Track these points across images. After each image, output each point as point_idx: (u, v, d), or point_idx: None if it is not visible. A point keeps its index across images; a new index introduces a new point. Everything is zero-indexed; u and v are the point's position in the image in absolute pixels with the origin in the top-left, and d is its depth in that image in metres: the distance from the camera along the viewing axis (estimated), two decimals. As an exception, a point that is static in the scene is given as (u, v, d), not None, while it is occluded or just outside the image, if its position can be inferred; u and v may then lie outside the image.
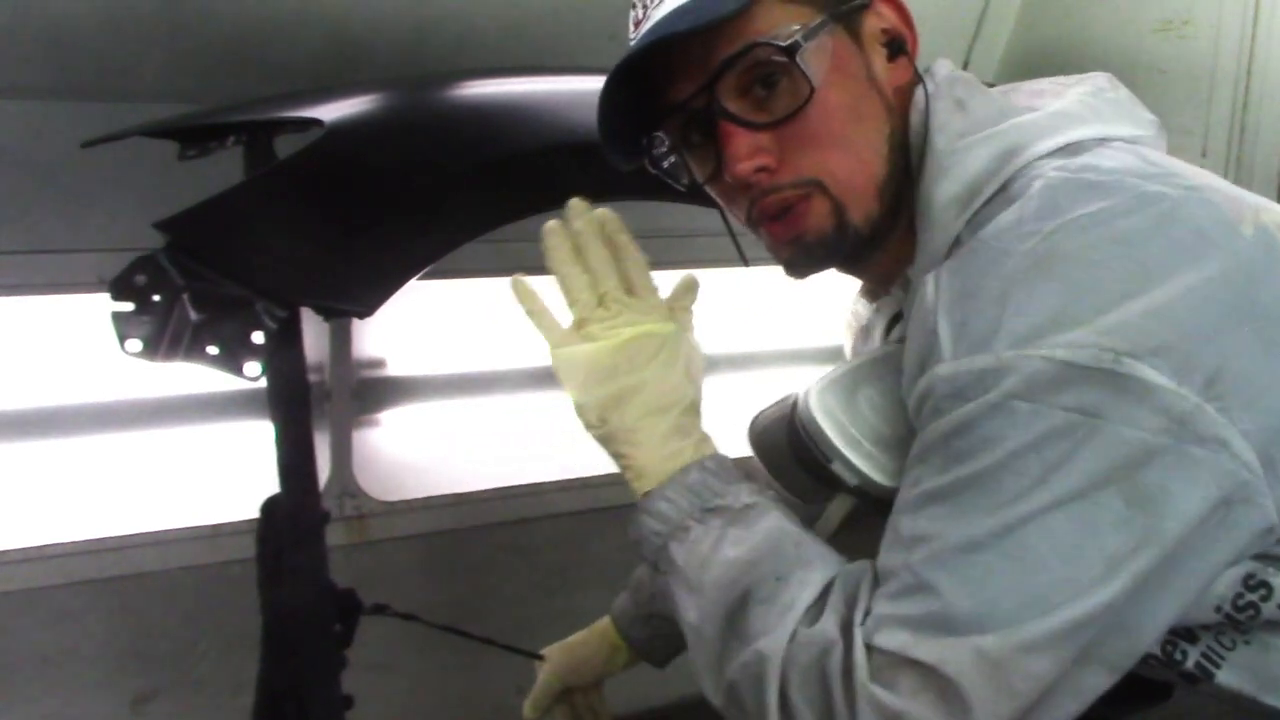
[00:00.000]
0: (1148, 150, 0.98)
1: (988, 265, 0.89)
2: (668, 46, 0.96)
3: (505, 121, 1.28)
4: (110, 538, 1.75)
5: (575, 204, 1.10)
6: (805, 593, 0.92)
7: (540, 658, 1.53)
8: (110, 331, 1.10)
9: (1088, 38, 1.90)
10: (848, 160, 1.00)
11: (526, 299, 1.13)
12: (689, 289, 1.16)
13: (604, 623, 1.54)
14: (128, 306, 1.09)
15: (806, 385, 1.09)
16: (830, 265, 1.08)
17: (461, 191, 1.22)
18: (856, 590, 0.91)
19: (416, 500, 2.00)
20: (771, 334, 2.28)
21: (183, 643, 1.84)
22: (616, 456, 1.07)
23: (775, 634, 0.91)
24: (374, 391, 1.98)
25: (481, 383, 2.08)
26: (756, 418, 1.19)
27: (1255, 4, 1.71)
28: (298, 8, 1.54)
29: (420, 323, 1.98)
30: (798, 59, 0.96)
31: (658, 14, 0.99)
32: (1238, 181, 1.36)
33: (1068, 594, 0.81)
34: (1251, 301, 0.85)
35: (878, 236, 1.03)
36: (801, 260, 1.05)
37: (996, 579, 0.82)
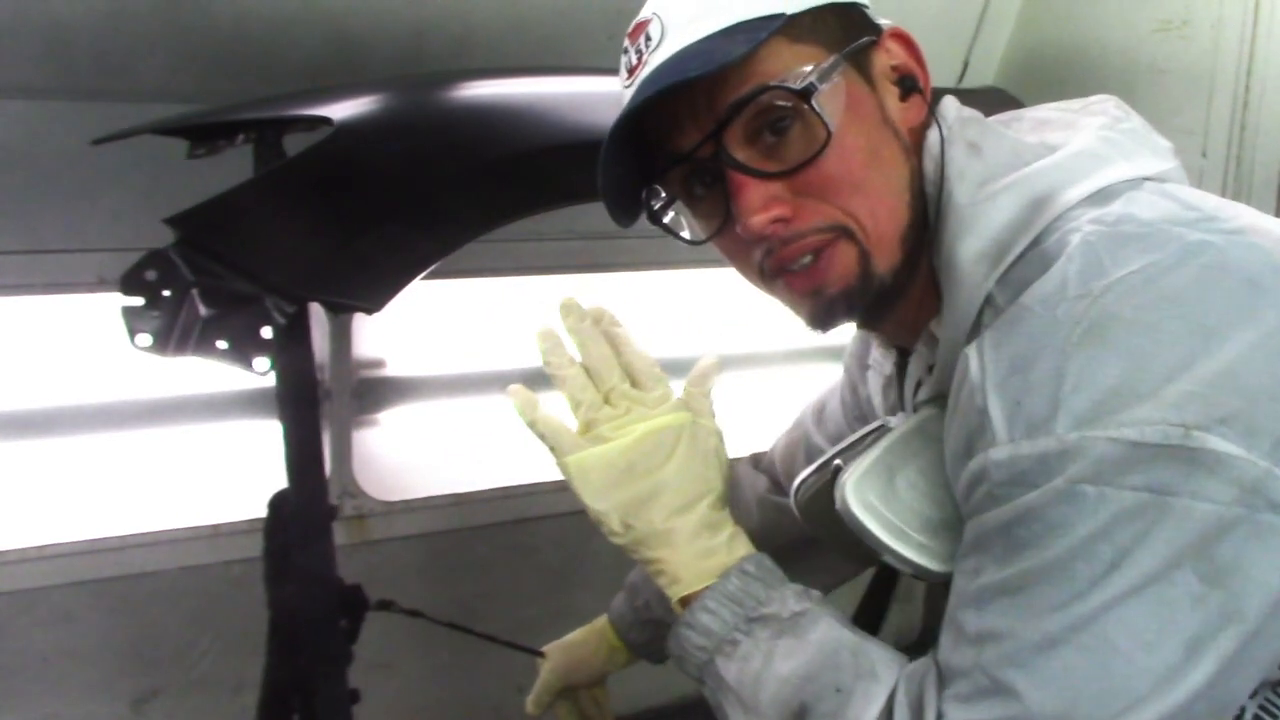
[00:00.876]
0: (1178, 189, 0.92)
1: (1037, 335, 0.84)
2: (667, 93, 0.89)
3: (510, 121, 1.28)
4: (110, 538, 1.75)
5: (567, 303, 1.06)
6: (871, 707, 0.88)
7: (541, 654, 1.53)
8: (120, 326, 1.10)
9: (1088, 38, 1.91)
10: (871, 205, 0.93)
11: (526, 409, 1.07)
12: (706, 375, 1.10)
13: (602, 622, 1.54)
14: (138, 301, 1.09)
15: (841, 463, 1.02)
16: (852, 318, 1.01)
17: (467, 190, 1.22)
18: (921, 695, 0.87)
19: (416, 500, 2.00)
20: (772, 334, 2.29)
21: (183, 643, 1.84)
22: (647, 563, 1.01)
23: None
24: (374, 391, 1.98)
25: (481, 383, 2.08)
26: (799, 487, 1.13)
27: (1255, 4, 1.72)
28: (298, 8, 1.54)
29: (420, 323, 1.98)
30: (813, 102, 0.90)
31: (656, 59, 0.93)
32: (1238, 181, 1.38)
33: (1152, 686, 0.77)
34: None
35: (899, 287, 0.97)
36: (823, 313, 0.98)
37: (1077, 676, 0.78)
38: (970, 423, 0.87)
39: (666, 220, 1.01)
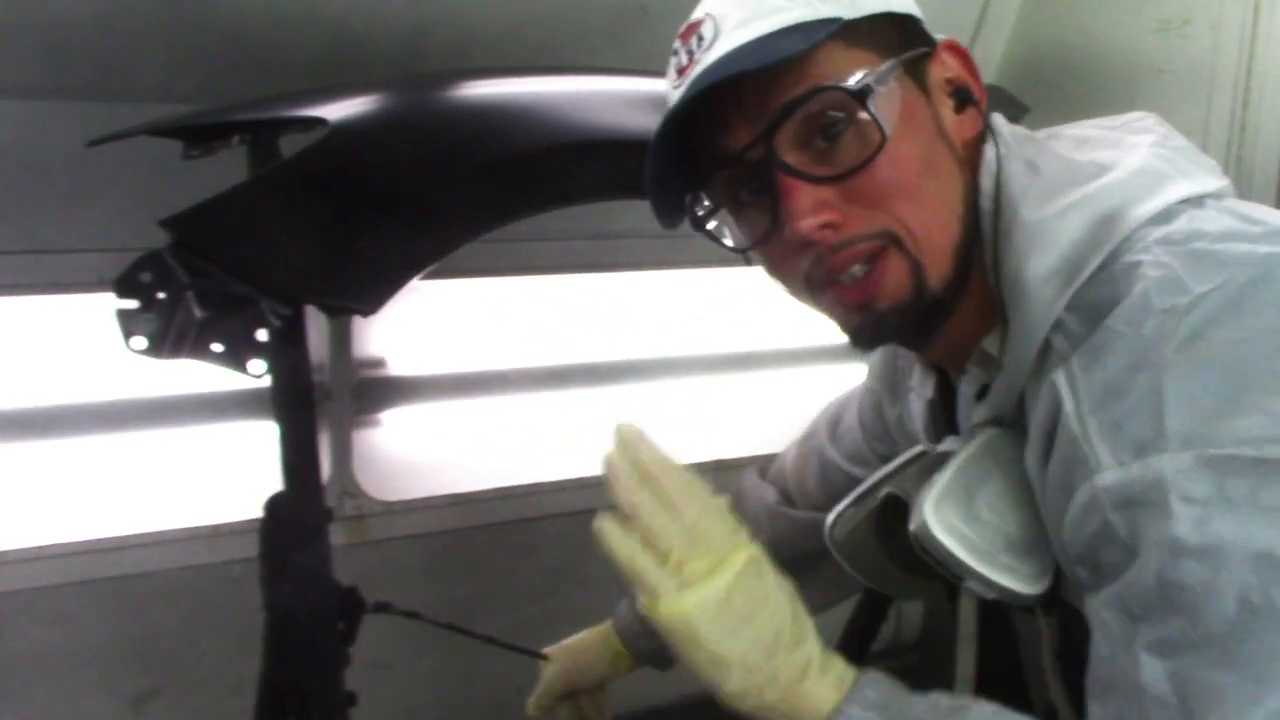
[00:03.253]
0: (1237, 204, 0.91)
1: (1127, 355, 0.81)
2: (718, 92, 0.88)
3: (508, 121, 1.28)
4: (110, 538, 1.75)
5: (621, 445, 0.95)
6: None
7: (544, 657, 1.53)
8: (115, 328, 1.10)
9: (1088, 38, 1.90)
10: (924, 215, 0.91)
11: (619, 545, 0.92)
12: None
13: (606, 627, 1.53)
14: (133, 304, 1.09)
15: (908, 490, 1.00)
16: (902, 337, 0.99)
17: (465, 191, 1.22)
18: None
19: (416, 500, 2.00)
20: (773, 334, 2.29)
21: (183, 643, 1.84)
22: (770, 708, 0.89)
23: None
24: (374, 391, 1.98)
25: (481, 383, 2.08)
26: (837, 521, 1.11)
27: (1255, 4, 1.71)
28: (298, 8, 1.54)
29: (420, 323, 1.98)
30: (869, 105, 0.88)
31: (709, 58, 0.91)
32: (1238, 181, 1.37)
33: None
34: None
35: (950, 304, 0.95)
36: (871, 329, 0.95)
37: None
38: (1069, 454, 0.84)
39: (710, 226, 0.99)
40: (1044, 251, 0.89)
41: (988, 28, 1.98)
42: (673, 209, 0.99)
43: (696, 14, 0.96)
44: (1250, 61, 1.73)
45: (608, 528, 0.93)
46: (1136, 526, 0.78)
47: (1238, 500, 0.73)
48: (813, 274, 0.94)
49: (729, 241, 1.00)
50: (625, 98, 1.32)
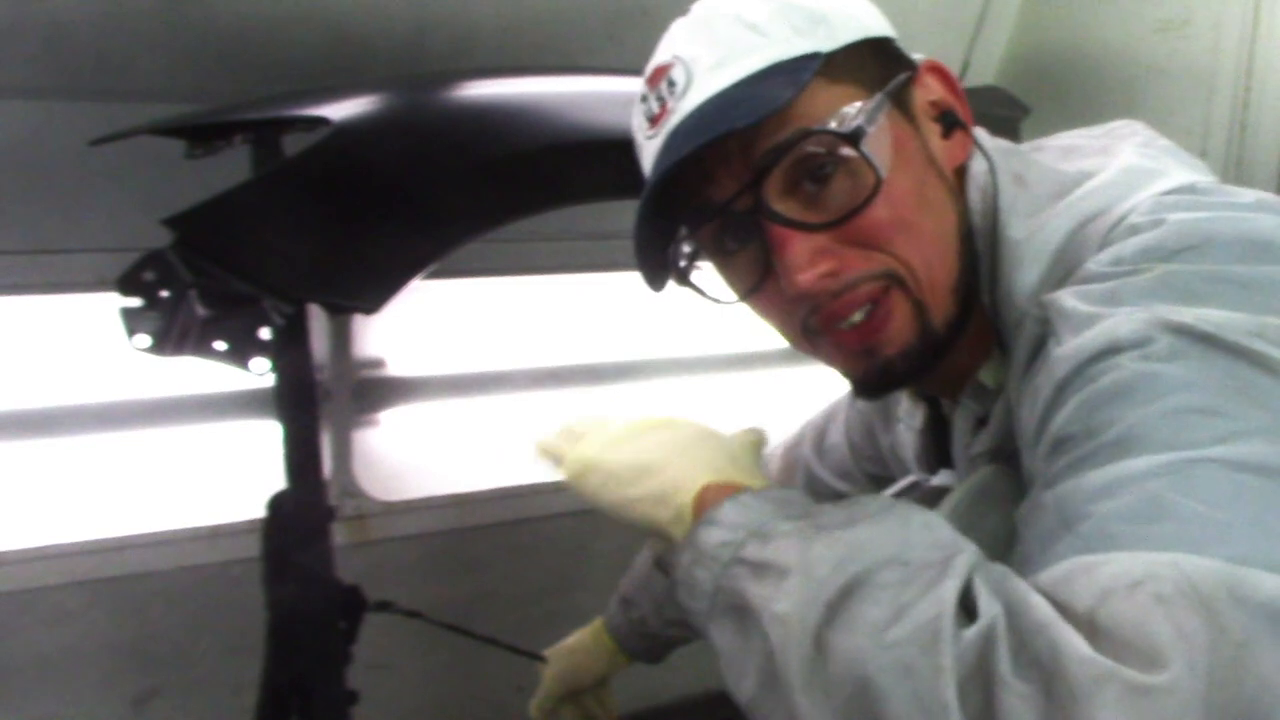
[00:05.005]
0: (1225, 187, 0.88)
1: (1098, 271, 0.79)
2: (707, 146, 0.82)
3: (508, 121, 1.28)
4: (110, 538, 1.75)
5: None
6: (945, 584, 0.68)
7: (543, 659, 1.53)
8: (118, 327, 1.10)
9: (1088, 38, 1.90)
10: (924, 251, 0.87)
11: (537, 442, 1.03)
12: (753, 432, 1.01)
13: (598, 625, 1.54)
14: (136, 302, 1.09)
15: None
16: (908, 383, 0.95)
17: (465, 190, 1.22)
18: (1004, 575, 0.70)
19: (416, 500, 2.00)
20: (773, 334, 2.28)
21: (183, 643, 1.84)
22: (661, 499, 0.88)
23: (928, 602, 0.67)
24: (374, 391, 1.98)
25: (481, 383, 2.08)
26: None
27: (1255, 4, 1.72)
28: (298, 8, 1.54)
29: (420, 323, 1.98)
30: (862, 147, 0.83)
31: (684, 106, 0.86)
32: (1238, 181, 1.37)
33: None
34: None
35: (952, 339, 0.91)
36: (877, 377, 0.91)
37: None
38: (1040, 363, 0.80)
39: (694, 279, 0.94)
40: (1031, 265, 0.86)
41: (988, 28, 1.98)
42: (658, 266, 0.93)
43: (662, 57, 0.91)
44: (1250, 61, 1.73)
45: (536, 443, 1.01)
46: (1086, 384, 0.74)
47: (1190, 358, 0.70)
48: (810, 322, 0.90)
49: (715, 295, 0.95)
50: (625, 98, 1.32)
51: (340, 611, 1.26)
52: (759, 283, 0.89)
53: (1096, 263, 0.81)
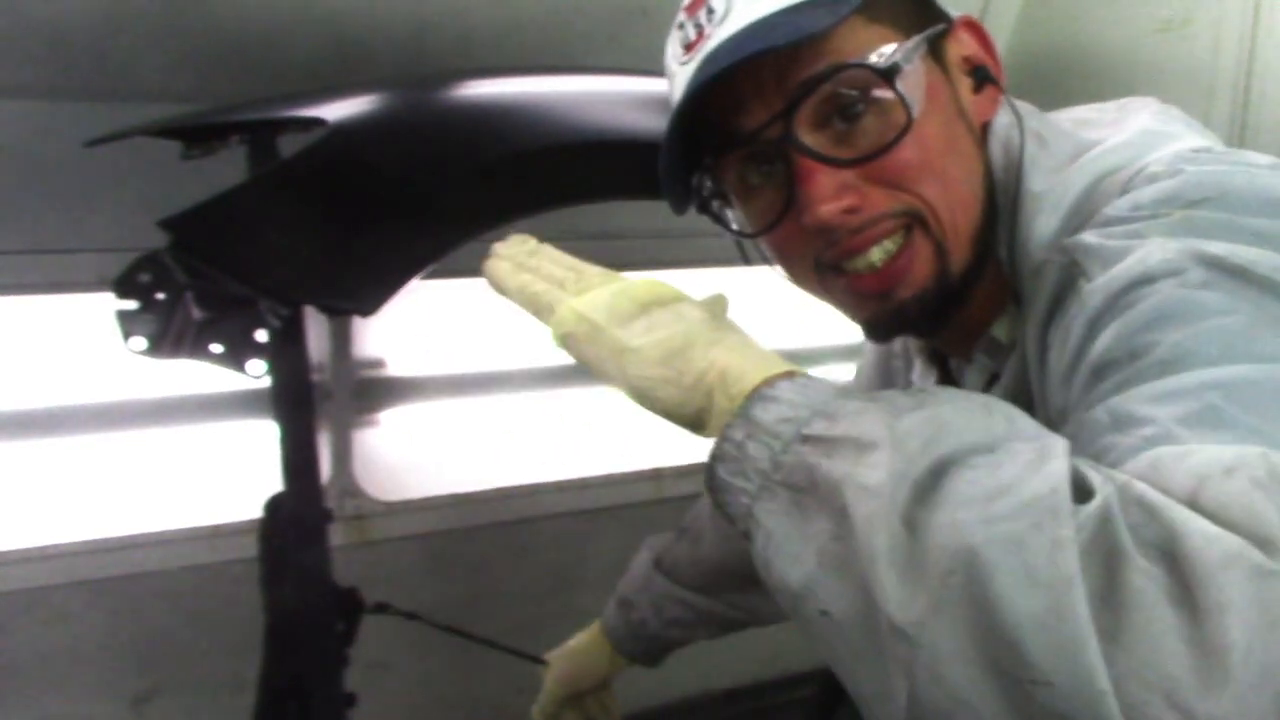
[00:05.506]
0: (1236, 151, 0.89)
1: (1121, 214, 0.79)
2: (733, 69, 0.82)
3: (507, 121, 1.28)
4: (110, 538, 1.75)
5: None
6: (1052, 463, 0.62)
7: (543, 662, 1.53)
8: (115, 329, 1.10)
9: (1088, 38, 1.90)
10: (948, 194, 0.87)
11: (508, 276, 0.90)
12: (717, 300, 0.93)
13: (596, 627, 1.53)
14: (132, 304, 1.09)
15: None
16: (920, 328, 0.95)
17: (463, 191, 1.22)
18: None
19: (416, 500, 2.00)
20: (774, 334, 2.28)
21: (183, 643, 1.84)
22: (700, 383, 0.77)
23: (1039, 478, 0.61)
24: (374, 391, 1.98)
25: (481, 383, 2.08)
26: None
27: (1255, 4, 1.71)
28: (298, 8, 1.54)
29: (420, 323, 1.98)
30: (896, 84, 0.83)
31: (722, 33, 0.86)
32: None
33: None
34: None
35: (967, 290, 0.91)
36: (889, 318, 0.91)
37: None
38: (1066, 309, 0.80)
39: (715, 209, 0.94)
40: (1050, 215, 0.86)
41: (988, 27, 1.95)
42: (682, 193, 0.93)
43: None
44: (1250, 61, 1.72)
45: (498, 264, 0.90)
46: (1124, 311, 0.73)
47: (1224, 289, 0.70)
48: (826, 257, 0.89)
49: (734, 225, 0.95)
50: (625, 98, 1.32)
51: (338, 613, 1.26)
52: (780, 217, 0.88)
53: (1115, 208, 0.81)
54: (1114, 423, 0.68)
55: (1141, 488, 0.60)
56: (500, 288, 0.90)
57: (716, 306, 0.86)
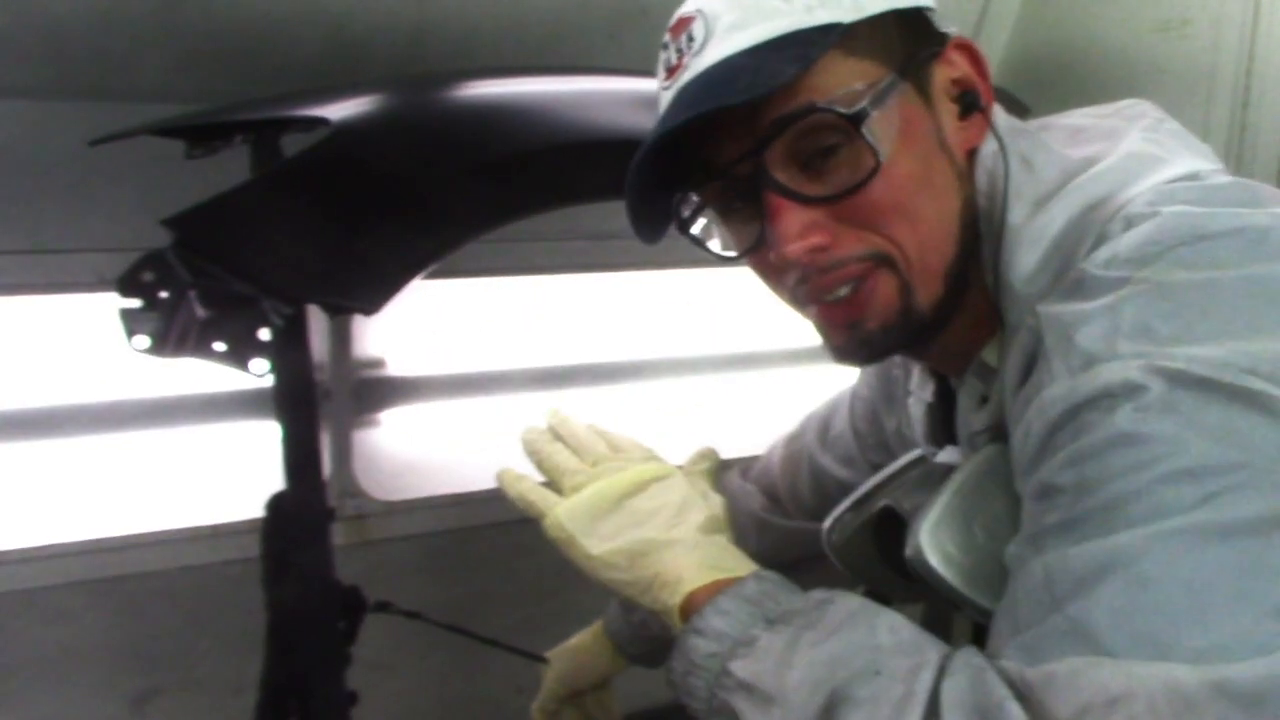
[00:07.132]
0: (1227, 178, 0.89)
1: (1094, 287, 0.79)
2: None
3: (508, 121, 1.28)
4: (110, 538, 1.75)
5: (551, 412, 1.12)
6: (918, 685, 0.75)
7: (544, 660, 1.53)
8: (117, 328, 1.10)
9: (1088, 38, 1.90)
10: (918, 235, 0.88)
11: (512, 483, 1.06)
12: (705, 456, 1.10)
13: (598, 626, 1.54)
14: (135, 303, 1.09)
15: (904, 505, 0.98)
16: (888, 356, 0.98)
17: (467, 190, 1.22)
18: (978, 663, 0.75)
19: (416, 500, 2.00)
20: (772, 334, 2.29)
21: (183, 643, 1.84)
22: (645, 588, 0.95)
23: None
24: (374, 391, 1.98)
25: (481, 383, 2.08)
26: (834, 526, 1.10)
27: (1255, 4, 1.71)
28: (298, 8, 1.54)
29: (420, 323, 1.98)
30: (864, 129, 0.84)
31: (698, 64, 0.87)
32: (1237, 182, 1.38)
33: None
34: None
35: (941, 320, 0.93)
36: (856, 348, 0.94)
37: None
38: (1034, 381, 0.81)
39: (696, 230, 0.96)
40: (1029, 250, 0.86)
41: (988, 28, 1.98)
42: (655, 217, 0.95)
43: (687, 8, 0.92)
44: (1250, 61, 1.72)
45: (504, 472, 1.06)
46: (1079, 433, 0.75)
47: (1181, 410, 0.72)
48: (799, 291, 0.93)
49: (715, 247, 0.97)
50: (625, 98, 1.33)
51: (340, 612, 1.26)
52: (756, 244, 0.91)
53: (1092, 263, 0.81)
54: (1048, 588, 0.73)
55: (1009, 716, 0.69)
56: (506, 495, 1.08)
57: (700, 470, 1.08)
